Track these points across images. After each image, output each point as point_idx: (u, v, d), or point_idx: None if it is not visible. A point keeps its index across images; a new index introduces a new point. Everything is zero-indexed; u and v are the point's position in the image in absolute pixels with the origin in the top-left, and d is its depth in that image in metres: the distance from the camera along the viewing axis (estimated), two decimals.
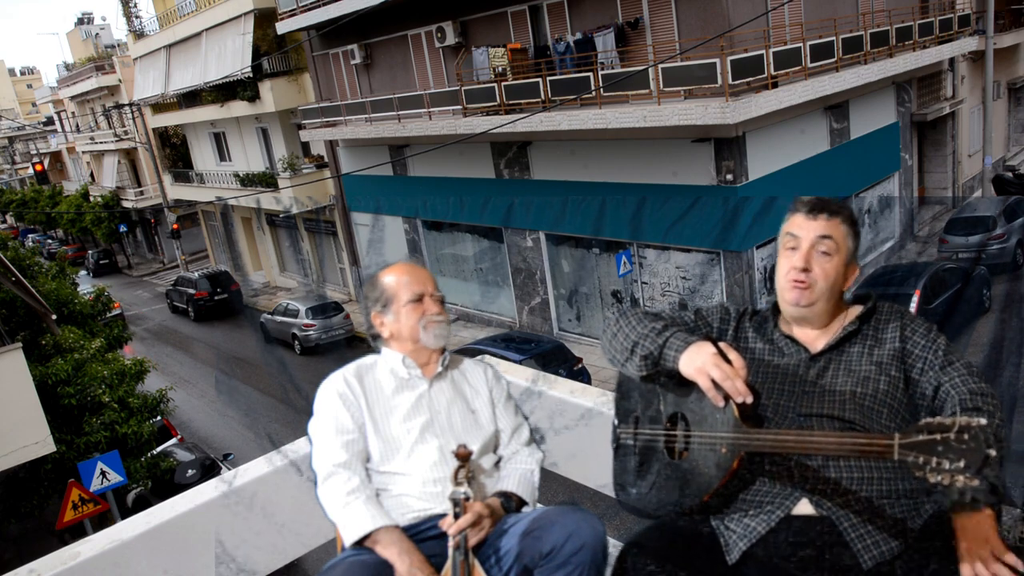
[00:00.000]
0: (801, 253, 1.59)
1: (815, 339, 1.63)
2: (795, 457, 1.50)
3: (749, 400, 1.46)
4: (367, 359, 1.95)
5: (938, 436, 1.21)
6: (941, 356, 1.52)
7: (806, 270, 1.57)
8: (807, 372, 1.59)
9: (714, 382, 1.47)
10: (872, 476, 1.48)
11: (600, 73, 11.19)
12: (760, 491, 1.53)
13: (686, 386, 1.58)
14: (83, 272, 23.54)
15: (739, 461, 1.47)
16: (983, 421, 1.19)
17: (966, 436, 1.19)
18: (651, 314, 1.72)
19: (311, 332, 16.99)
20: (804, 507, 1.50)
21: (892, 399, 1.52)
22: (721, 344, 1.51)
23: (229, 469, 5.10)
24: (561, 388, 2.32)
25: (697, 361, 1.50)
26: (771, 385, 1.60)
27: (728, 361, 1.48)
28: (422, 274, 1.96)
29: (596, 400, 2.21)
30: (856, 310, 1.65)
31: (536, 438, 2.09)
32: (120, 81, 30.36)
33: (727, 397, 1.47)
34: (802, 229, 1.60)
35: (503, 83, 12.63)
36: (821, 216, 1.59)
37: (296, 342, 17.38)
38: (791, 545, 1.47)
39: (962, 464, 1.18)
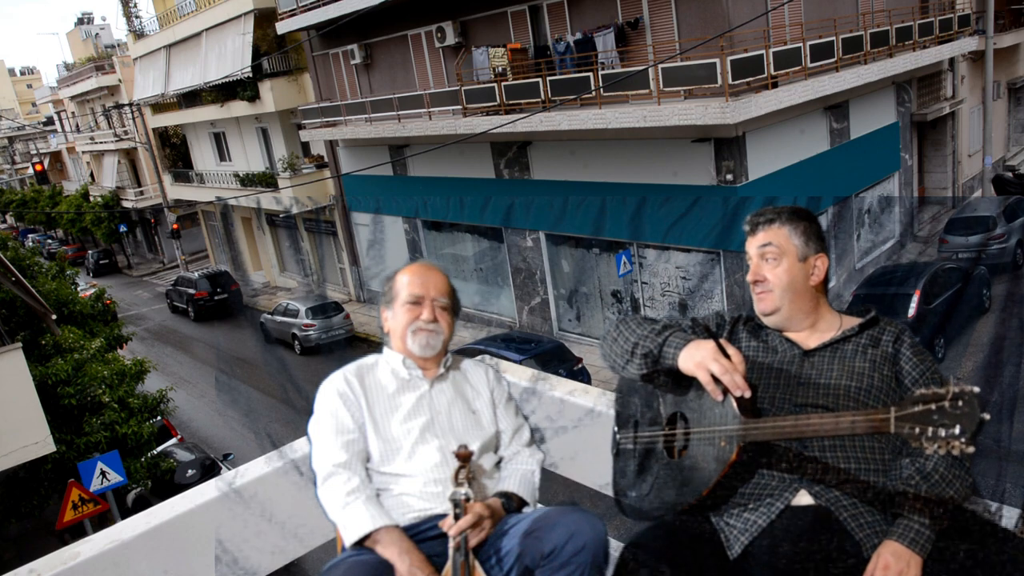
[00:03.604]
0: (752, 268, 1.71)
1: (807, 338, 1.68)
2: (793, 447, 1.52)
3: (748, 394, 1.48)
4: (368, 359, 1.95)
5: (933, 405, 1.24)
6: (927, 375, 1.57)
7: (757, 281, 1.69)
8: (800, 366, 1.63)
9: (713, 377, 1.49)
10: (870, 467, 1.50)
11: (600, 73, 11.19)
12: (759, 484, 1.54)
13: (685, 386, 1.60)
14: (81, 271, 23.46)
15: (738, 452, 1.48)
16: (976, 388, 1.22)
17: (960, 402, 1.22)
18: (649, 319, 1.75)
19: (311, 332, 16.99)
20: (803, 498, 1.51)
21: (884, 395, 1.55)
22: (720, 340, 1.53)
23: (229, 469, 5.10)
24: (561, 388, 2.32)
25: (696, 356, 1.52)
26: (766, 381, 1.63)
27: (727, 356, 1.49)
28: (431, 277, 1.92)
29: (596, 400, 2.21)
30: (855, 320, 1.69)
31: (536, 438, 2.09)
32: (120, 81, 30.35)
33: (726, 391, 1.49)
34: (749, 247, 1.74)
35: (503, 83, 12.63)
36: (759, 230, 1.73)
37: (296, 342, 17.38)
38: (792, 537, 1.48)
39: (957, 430, 1.21)
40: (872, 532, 1.45)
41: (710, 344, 1.52)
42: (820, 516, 1.49)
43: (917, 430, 1.24)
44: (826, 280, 1.71)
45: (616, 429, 1.82)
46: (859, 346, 1.62)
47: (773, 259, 1.68)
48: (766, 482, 1.54)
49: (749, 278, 1.71)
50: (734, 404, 1.48)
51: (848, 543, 1.46)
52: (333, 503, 1.72)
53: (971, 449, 1.20)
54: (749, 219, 1.75)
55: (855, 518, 1.47)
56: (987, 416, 1.19)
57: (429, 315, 1.87)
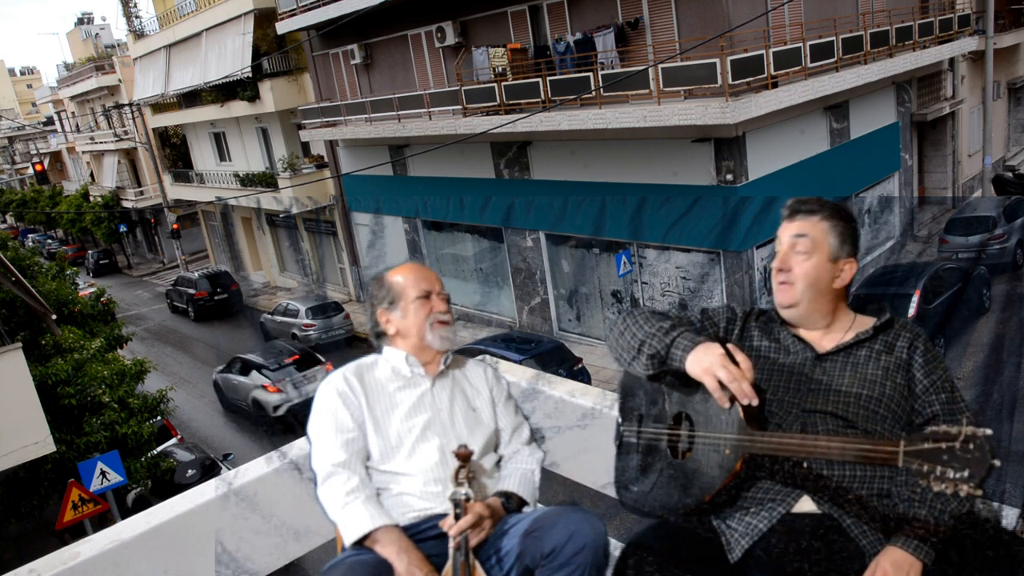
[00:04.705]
0: (780, 255, 1.64)
1: (820, 339, 1.64)
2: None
3: (755, 402, 1.46)
4: (367, 358, 1.95)
5: (943, 445, 1.22)
6: (938, 384, 1.54)
7: (782, 270, 1.62)
8: (812, 370, 1.59)
9: (720, 383, 1.46)
10: (874, 475, 1.48)
11: (600, 73, 11.18)
12: (761, 488, 1.53)
13: (692, 386, 1.58)
14: (81, 271, 23.46)
15: (742, 463, 1.46)
16: (989, 432, 1.20)
17: (971, 446, 1.19)
18: (658, 313, 1.71)
19: (311, 332, 17.00)
20: (806, 504, 1.50)
21: (895, 404, 1.52)
22: (728, 345, 1.51)
23: (229, 469, 5.10)
24: (561, 388, 2.32)
25: (704, 362, 1.49)
26: (776, 382, 1.60)
27: (735, 362, 1.47)
28: (429, 274, 1.98)
29: (596, 400, 2.21)
30: (869, 320, 1.65)
31: (536, 438, 2.09)
32: (120, 81, 30.35)
33: (733, 398, 1.47)
34: (782, 231, 1.65)
35: (503, 83, 12.63)
36: (797, 217, 1.64)
37: (296, 342, 17.37)
38: (793, 542, 1.47)
39: (966, 474, 1.18)
40: (875, 538, 1.44)
41: (718, 349, 1.49)
42: (822, 521, 1.47)
43: (925, 468, 1.22)
44: (849, 284, 1.66)
45: (620, 421, 1.80)
46: (873, 351, 1.58)
47: (804, 252, 1.60)
48: (769, 486, 1.53)
49: (775, 265, 1.63)
50: (740, 412, 1.46)
51: (850, 548, 1.44)
52: (333, 503, 1.72)
53: (979, 492, 1.18)
54: (791, 203, 1.66)
55: (857, 525, 1.45)
56: (998, 463, 1.17)
57: (445, 306, 1.92)
